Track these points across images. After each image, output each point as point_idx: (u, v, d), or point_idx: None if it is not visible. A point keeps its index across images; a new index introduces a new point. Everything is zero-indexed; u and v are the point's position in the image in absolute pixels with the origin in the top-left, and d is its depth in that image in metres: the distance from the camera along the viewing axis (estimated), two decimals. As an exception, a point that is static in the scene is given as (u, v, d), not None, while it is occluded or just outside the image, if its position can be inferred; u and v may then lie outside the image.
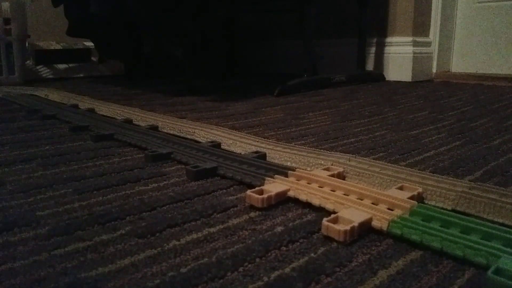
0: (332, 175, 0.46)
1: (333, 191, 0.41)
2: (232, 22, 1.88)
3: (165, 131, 0.73)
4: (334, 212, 0.37)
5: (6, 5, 1.53)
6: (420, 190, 0.41)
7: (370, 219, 0.35)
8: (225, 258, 0.31)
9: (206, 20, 1.44)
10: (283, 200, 0.42)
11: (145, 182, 0.48)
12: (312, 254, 0.32)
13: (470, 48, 1.60)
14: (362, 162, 0.50)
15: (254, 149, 0.58)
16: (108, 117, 0.86)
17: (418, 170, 0.48)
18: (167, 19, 1.30)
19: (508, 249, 0.30)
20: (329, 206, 0.39)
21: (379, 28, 1.60)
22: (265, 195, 0.40)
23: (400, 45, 1.55)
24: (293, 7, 1.59)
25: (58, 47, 1.83)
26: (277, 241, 0.34)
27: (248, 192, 0.41)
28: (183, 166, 0.53)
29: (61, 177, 0.50)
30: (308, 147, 0.60)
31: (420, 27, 1.56)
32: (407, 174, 0.45)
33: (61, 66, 1.84)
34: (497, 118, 0.84)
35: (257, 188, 0.42)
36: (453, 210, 0.39)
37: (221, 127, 0.72)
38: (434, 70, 1.62)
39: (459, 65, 1.64)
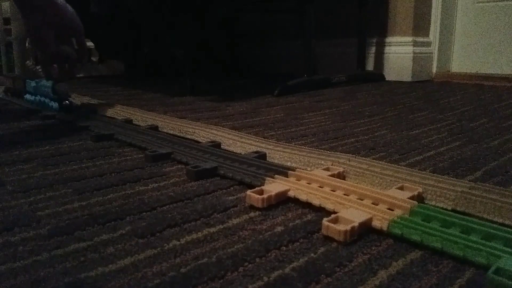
0: (332, 175, 0.46)
1: (333, 191, 0.41)
2: (232, 22, 1.88)
3: (165, 131, 0.73)
4: (334, 212, 0.37)
5: (6, 5, 1.53)
6: (420, 190, 0.41)
7: (370, 219, 0.35)
8: (225, 258, 0.31)
9: (207, 20, 1.44)
10: (283, 200, 0.42)
11: (145, 182, 0.48)
12: (312, 254, 0.32)
13: (470, 48, 1.60)
14: (362, 162, 0.50)
15: (254, 149, 0.58)
16: (108, 117, 0.86)
17: (418, 170, 0.48)
18: (167, 19, 1.30)
19: (509, 249, 0.30)
20: (329, 206, 0.38)
21: (379, 28, 1.60)
22: (265, 195, 0.40)
23: (400, 45, 1.55)
24: (293, 7, 1.59)
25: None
26: (277, 241, 0.34)
27: (248, 192, 0.41)
28: (183, 166, 0.53)
29: (61, 177, 0.50)
30: (308, 147, 0.60)
31: (420, 27, 1.56)
32: (407, 174, 0.45)
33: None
34: (497, 118, 0.84)
35: (257, 188, 0.42)
36: (453, 210, 0.39)
37: (221, 127, 0.72)
38: (434, 70, 1.62)
39: (459, 65, 1.64)
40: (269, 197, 0.40)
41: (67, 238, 0.34)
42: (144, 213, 0.39)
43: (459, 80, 1.55)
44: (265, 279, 0.28)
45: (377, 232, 0.35)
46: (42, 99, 0.94)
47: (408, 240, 0.33)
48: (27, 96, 1.02)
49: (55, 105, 0.89)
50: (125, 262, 0.31)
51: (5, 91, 1.20)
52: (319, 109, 0.97)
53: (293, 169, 0.47)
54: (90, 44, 1.83)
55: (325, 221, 0.34)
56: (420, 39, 1.56)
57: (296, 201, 0.41)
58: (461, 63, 1.63)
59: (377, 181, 0.45)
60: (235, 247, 0.33)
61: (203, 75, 1.75)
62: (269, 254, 0.32)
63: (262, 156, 0.55)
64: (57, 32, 0.78)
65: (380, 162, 0.50)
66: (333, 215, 0.36)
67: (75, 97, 1.14)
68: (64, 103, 0.88)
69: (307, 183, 0.44)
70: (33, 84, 0.98)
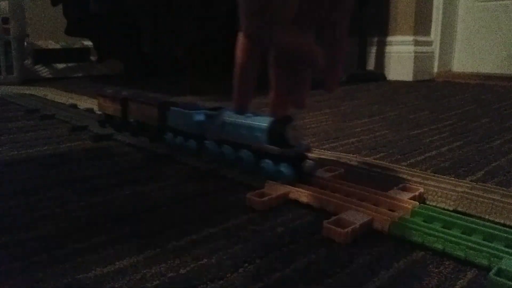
0: (333, 176, 0.45)
1: (334, 192, 0.41)
2: (233, 22, 1.87)
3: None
4: (335, 214, 0.37)
5: (4, 4, 1.53)
6: (422, 190, 0.41)
7: (371, 221, 0.35)
8: (225, 259, 0.31)
9: (207, 20, 1.44)
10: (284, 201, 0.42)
11: (145, 183, 0.47)
12: (313, 255, 0.31)
13: (472, 47, 1.59)
14: (363, 163, 0.49)
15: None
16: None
17: (420, 170, 0.48)
18: (167, 18, 1.30)
19: (510, 250, 0.30)
20: (330, 208, 0.38)
21: (380, 27, 1.60)
22: (265, 198, 0.40)
23: (401, 44, 1.55)
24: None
25: (57, 46, 1.83)
26: (278, 242, 0.33)
27: (249, 195, 0.41)
28: (183, 166, 0.53)
29: (60, 178, 0.49)
30: (308, 147, 0.60)
31: (422, 26, 1.55)
32: (409, 174, 0.45)
33: (60, 65, 1.84)
34: (499, 118, 0.84)
35: (257, 191, 0.42)
36: (454, 211, 0.38)
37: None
38: (435, 70, 1.61)
39: (460, 64, 1.63)
40: (270, 200, 0.40)
41: (66, 239, 0.34)
42: (144, 214, 0.39)
43: (461, 80, 1.55)
44: (266, 280, 0.28)
45: (378, 233, 0.35)
46: (228, 150, 0.48)
47: (410, 241, 0.33)
48: (171, 138, 0.57)
49: (285, 168, 0.43)
50: (124, 263, 0.30)
51: (101, 122, 0.72)
52: (319, 108, 0.97)
53: (294, 169, 0.47)
54: (88, 43, 1.82)
55: (326, 223, 0.34)
56: (421, 38, 1.55)
57: (296, 201, 0.41)
58: (463, 62, 1.63)
59: (378, 182, 0.45)
60: (235, 248, 0.33)
61: (204, 74, 1.75)
62: (270, 255, 0.31)
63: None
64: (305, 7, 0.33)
65: (381, 162, 0.50)
66: (334, 217, 0.35)
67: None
68: (305, 163, 0.44)
69: (308, 184, 0.43)
70: (197, 117, 0.52)
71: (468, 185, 0.41)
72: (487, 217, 0.37)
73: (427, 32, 1.58)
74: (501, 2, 1.51)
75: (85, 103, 1.02)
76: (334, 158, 0.53)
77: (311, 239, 0.34)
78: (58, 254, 0.32)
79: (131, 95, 0.66)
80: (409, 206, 0.37)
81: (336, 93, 1.23)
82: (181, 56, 1.31)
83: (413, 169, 0.47)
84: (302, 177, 0.44)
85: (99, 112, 0.74)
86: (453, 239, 0.31)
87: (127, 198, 0.43)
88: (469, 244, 0.31)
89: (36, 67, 1.80)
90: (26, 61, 1.74)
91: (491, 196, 0.38)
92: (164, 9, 1.26)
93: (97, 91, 0.72)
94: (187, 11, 1.22)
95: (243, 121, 0.47)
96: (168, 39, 1.35)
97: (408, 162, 0.54)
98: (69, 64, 1.86)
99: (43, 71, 1.81)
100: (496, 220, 0.36)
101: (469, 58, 1.61)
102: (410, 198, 0.39)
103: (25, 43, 1.69)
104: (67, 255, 0.32)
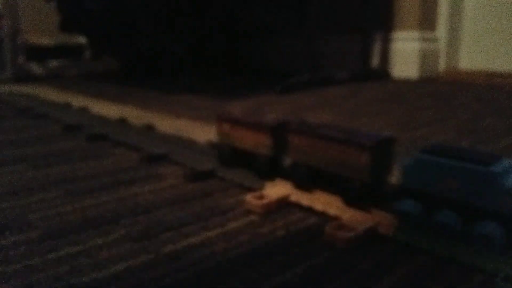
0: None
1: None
2: (233, 19, 1.86)
3: (162, 130, 0.72)
4: (338, 217, 0.36)
5: (-2, 1, 1.51)
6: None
7: (375, 225, 0.34)
8: (224, 264, 0.30)
9: (207, 17, 1.43)
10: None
11: (140, 184, 0.47)
12: (315, 259, 0.31)
13: (479, 44, 1.57)
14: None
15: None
16: (102, 116, 0.85)
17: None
18: (166, 16, 1.29)
19: (517, 255, 0.29)
20: (332, 211, 0.37)
21: (384, 23, 1.58)
22: (264, 201, 0.39)
23: (405, 40, 1.54)
24: (296, 4, 1.58)
25: (50, 43, 1.81)
26: (278, 246, 0.33)
27: (248, 197, 0.40)
28: (180, 167, 0.52)
29: (53, 179, 0.48)
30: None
31: (427, 22, 1.53)
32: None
33: (53, 62, 1.82)
34: (506, 117, 0.83)
35: (257, 193, 0.41)
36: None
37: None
38: (441, 67, 1.60)
39: (467, 61, 1.61)
40: (269, 203, 0.39)
41: (59, 242, 0.33)
42: (139, 216, 0.38)
43: (467, 77, 1.53)
44: (266, 285, 0.27)
45: (382, 237, 0.34)
46: None
47: (415, 246, 0.32)
48: (418, 210, 0.33)
49: None
50: (119, 267, 0.30)
51: (225, 159, 0.49)
52: (321, 107, 0.96)
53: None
54: (83, 40, 1.81)
55: (328, 229, 0.33)
56: (427, 34, 1.53)
57: (298, 203, 0.40)
58: (470, 59, 1.60)
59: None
60: (234, 251, 0.32)
61: (203, 72, 1.74)
62: (270, 259, 0.31)
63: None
64: None
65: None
66: (336, 222, 0.34)
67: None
68: None
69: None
70: None
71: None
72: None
73: (433, 28, 1.56)
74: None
75: (79, 101, 1.01)
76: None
77: (312, 242, 0.33)
78: (51, 258, 0.31)
79: (292, 121, 0.41)
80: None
81: (339, 91, 1.23)
82: (180, 53, 1.29)
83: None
84: None
85: (214, 141, 0.51)
86: (459, 244, 0.31)
87: (122, 200, 0.42)
88: (476, 249, 0.30)
89: (29, 64, 1.78)
90: (19, 58, 1.72)
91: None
92: (164, 9, 1.25)
93: (219, 114, 0.49)
94: (187, 11, 1.21)
95: None
96: (166, 36, 1.34)
97: (408, 163, 0.54)
98: (63, 62, 1.84)
99: (36, 68, 1.79)
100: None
101: (476, 55, 1.58)
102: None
103: (18, 40, 1.67)
104: (60, 259, 0.31)
